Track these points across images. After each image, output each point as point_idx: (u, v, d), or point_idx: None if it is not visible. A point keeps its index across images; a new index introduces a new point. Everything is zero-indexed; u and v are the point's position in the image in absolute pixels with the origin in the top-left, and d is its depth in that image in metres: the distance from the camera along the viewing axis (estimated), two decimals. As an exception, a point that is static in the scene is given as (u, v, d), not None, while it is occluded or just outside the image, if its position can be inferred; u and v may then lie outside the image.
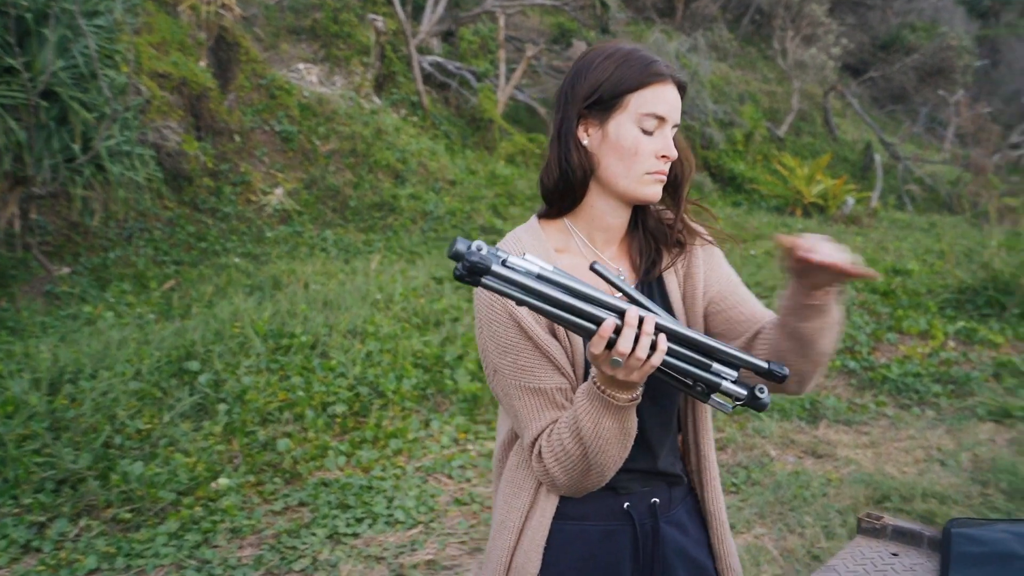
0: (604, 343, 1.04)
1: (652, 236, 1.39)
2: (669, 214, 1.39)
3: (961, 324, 6.02)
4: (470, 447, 4.17)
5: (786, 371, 1.11)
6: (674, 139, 1.31)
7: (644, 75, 1.26)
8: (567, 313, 1.03)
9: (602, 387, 1.14)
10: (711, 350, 1.09)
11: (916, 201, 13.92)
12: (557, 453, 1.22)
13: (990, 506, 3.49)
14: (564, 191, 1.32)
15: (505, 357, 1.26)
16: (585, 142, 1.31)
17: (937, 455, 4.16)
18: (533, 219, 1.38)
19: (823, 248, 1.11)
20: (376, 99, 10.46)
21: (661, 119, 1.27)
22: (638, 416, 1.20)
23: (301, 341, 4.76)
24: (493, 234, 8.32)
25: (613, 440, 1.18)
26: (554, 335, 1.27)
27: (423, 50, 11.78)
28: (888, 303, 6.41)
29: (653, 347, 1.06)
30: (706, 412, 1.43)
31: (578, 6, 12.45)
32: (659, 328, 1.06)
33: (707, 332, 1.38)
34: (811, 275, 1.14)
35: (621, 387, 1.12)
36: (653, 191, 1.30)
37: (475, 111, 11.03)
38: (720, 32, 15.75)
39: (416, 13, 12.25)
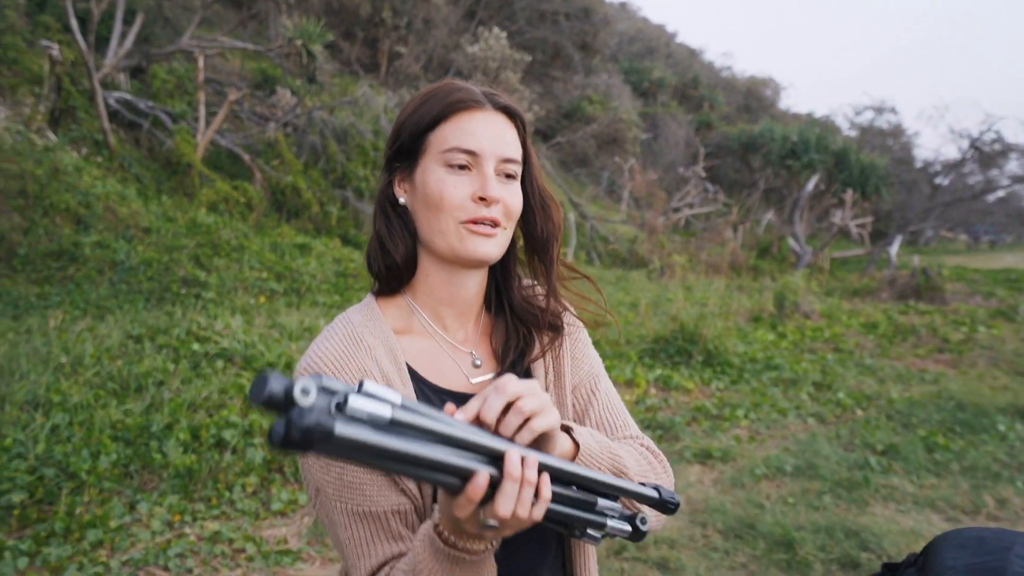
0: (475, 505, 0.77)
1: (520, 317, 1.15)
2: (541, 288, 1.16)
3: (659, 372, 6.58)
4: (188, 530, 3.64)
5: (678, 499, 0.90)
6: (527, 182, 1.10)
7: (442, 107, 1.03)
8: (428, 471, 0.73)
9: (450, 538, 0.86)
10: (595, 484, 0.86)
11: (602, 257, 15.28)
12: None
13: (711, 546, 3.73)
14: (391, 265, 1.09)
15: (328, 472, 0.98)
16: (402, 200, 1.09)
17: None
18: (369, 297, 1.13)
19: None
20: (51, 135, 9.21)
21: (471, 153, 1.01)
22: (503, 548, 0.95)
23: (-39, 417, 3.90)
24: (196, 287, 7.62)
25: None
26: None
27: (108, 85, 10.66)
28: (594, 353, 6.86)
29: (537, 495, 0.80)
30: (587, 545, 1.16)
31: (283, 53, 12.06)
32: (542, 469, 0.80)
33: None
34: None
35: (475, 536, 0.85)
36: (475, 246, 1.02)
37: (171, 154, 10.14)
38: (425, 91, 16.21)
39: (100, 44, 11.08)
